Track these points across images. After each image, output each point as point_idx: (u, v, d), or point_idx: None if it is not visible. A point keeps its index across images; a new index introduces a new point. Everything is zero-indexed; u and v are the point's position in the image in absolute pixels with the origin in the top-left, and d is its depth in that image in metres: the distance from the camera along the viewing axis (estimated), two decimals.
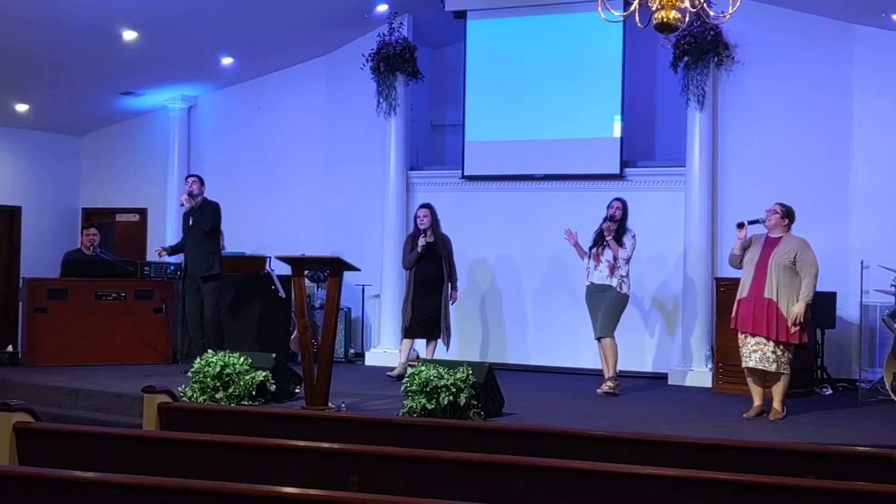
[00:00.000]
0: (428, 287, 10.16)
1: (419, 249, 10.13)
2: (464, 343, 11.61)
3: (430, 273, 10.17)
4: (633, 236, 9.54)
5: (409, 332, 10.25)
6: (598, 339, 9.56)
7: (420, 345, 10.64)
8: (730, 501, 4.05)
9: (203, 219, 10.35)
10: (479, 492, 4.13)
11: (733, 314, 8.36)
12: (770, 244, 8.26)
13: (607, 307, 9.50)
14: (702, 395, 9.77)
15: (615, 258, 9.43)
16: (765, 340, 8.08)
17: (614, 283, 9.46)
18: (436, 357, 9.70)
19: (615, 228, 9.49)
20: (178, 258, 11.55)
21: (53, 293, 11.08)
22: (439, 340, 10.22)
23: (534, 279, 11.59)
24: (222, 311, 10.58)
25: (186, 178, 10.78)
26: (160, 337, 11.38)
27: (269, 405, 8.36)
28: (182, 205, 10.54)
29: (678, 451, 4.97)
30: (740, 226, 8.45)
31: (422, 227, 10.19)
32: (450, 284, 10.24)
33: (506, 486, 4.28)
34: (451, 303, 10.26)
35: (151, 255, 13.15)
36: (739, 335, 8.29)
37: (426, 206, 10.40)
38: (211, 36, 11.46)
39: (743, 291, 8.30)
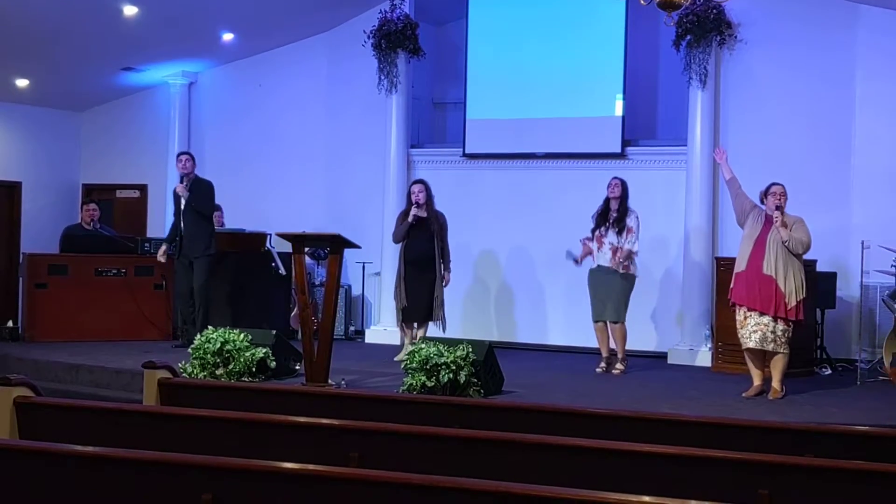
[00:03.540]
0: (419, 265, 9.76)
1: (411, 219, 9.78)
2: (464, 321, 11.63)
3: (421, 250, 9.77)
4: (637, 217, 9.51)
5: (407, 316, 9.86)
6: (611, 323, 9.54)
7: None
8: (728, 479, 4.06)
9: (200, 202, 10.31)
10: (478, 469, 4.13)
11: (731, 286, 8.39)
12: (770, 221, 8.23)
13: (617, 291, 9.47)
14: (701, 375, 9.80)
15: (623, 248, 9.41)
16: (765, 320, 8.08)
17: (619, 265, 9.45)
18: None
19: (616, 218, 9.47)
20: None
21: (54, 269, 11.09)
22: (432, 322, 9.91)
23: (534, 258, 11.59)
24: (212, 288, 10.59)
25: (179, 156, 10.60)
26: (160, 313, 11.39)
27: (270, 382, 8.38)
28: (178, 195, 10.36)
29: (677, 430, 4.98)
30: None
31: (417, 202, 9.81)
32: (442, 265, 9.82)
33: (505, 463, 4.29)
34: (443, 285, 9.83)
35: (152, 232, 13.16)
36: (738, 313, 8.28)
37: (421, 181, 10.10)
38: (212, 12, 11.41)
39: (740, 265, 8.31)
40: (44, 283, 11.03)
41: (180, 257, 10.45)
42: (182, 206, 10.37)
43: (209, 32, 12.07)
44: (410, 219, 9.82)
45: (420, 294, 9.77)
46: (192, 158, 10.56)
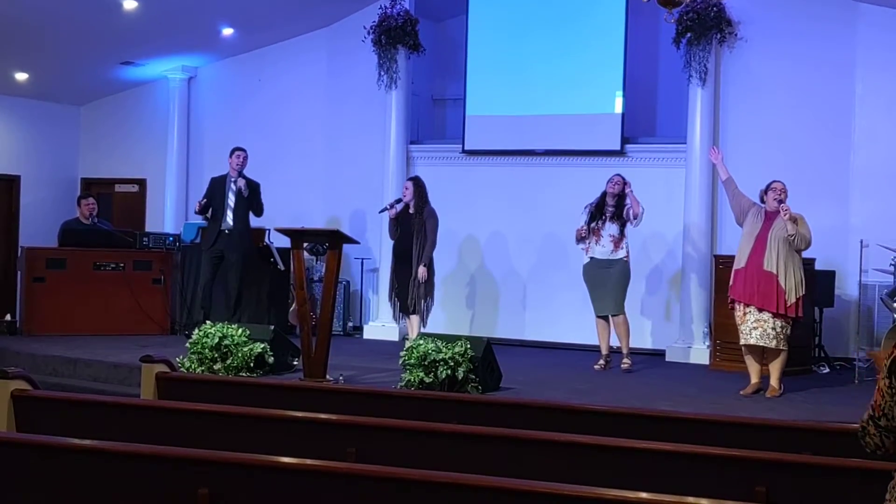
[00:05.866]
0: (401, 260, 10.03)
1: (383, 212, 10.14)
2: (462, 318, 11.63)
3: (403, 246, 10.00)
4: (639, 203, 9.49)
5: (401, 307, 10.14)
6: (612, 315, 9.53)
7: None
8: (726, 476, 4.06)
9: (257, 203, 10.65)
10: (475, 464, 4.14)
11: (731, 283, 8.38)
12: (770, 218, 8.25)
13: (616, 283, 9.47)
14: (699, 372, 9.80)
15: (629, 217, 9.35)
16: (765, 317, 8.09)
17: (620, 255, 9.44)
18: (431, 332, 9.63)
19: (614, 205, 9.46)
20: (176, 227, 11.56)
21: (52, 263, 11.07)
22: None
23: (533, 254, 11.58)
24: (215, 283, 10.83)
25: (238, 152, 10.71)
26: (158, 308, 11.38)
27: (267, 377, 8.38)
28: (219, 189, 10.60)
29: (674, 427, 4.98)
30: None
31: (404, 199, 10.04)
32: (417, 261, 9.85)
33: (502, 459, 4.29)
34: (415, 279, 9.83)
35: (150, 226, 13.14)
36: (737, 310, 8.28)
37: (412, 178, 10.29)
38: (212, 6, 11.40)
39: (740, 262, 8.32)
40: (42, 276, 11.02)
41: (213, 248, 10.60)
42: (232, 202, 10.53)
43: (209, 27, 12.05)
44: (382, 212, 10.19)
45: (402, 287, 9.99)
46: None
